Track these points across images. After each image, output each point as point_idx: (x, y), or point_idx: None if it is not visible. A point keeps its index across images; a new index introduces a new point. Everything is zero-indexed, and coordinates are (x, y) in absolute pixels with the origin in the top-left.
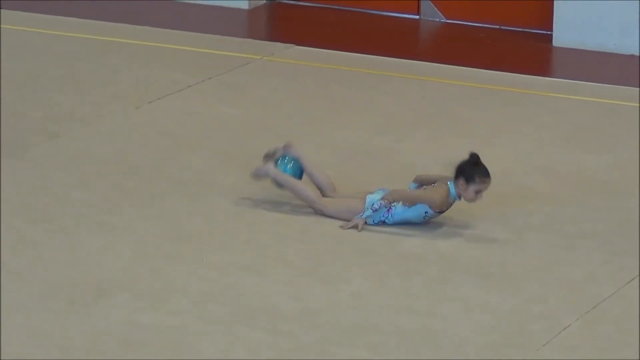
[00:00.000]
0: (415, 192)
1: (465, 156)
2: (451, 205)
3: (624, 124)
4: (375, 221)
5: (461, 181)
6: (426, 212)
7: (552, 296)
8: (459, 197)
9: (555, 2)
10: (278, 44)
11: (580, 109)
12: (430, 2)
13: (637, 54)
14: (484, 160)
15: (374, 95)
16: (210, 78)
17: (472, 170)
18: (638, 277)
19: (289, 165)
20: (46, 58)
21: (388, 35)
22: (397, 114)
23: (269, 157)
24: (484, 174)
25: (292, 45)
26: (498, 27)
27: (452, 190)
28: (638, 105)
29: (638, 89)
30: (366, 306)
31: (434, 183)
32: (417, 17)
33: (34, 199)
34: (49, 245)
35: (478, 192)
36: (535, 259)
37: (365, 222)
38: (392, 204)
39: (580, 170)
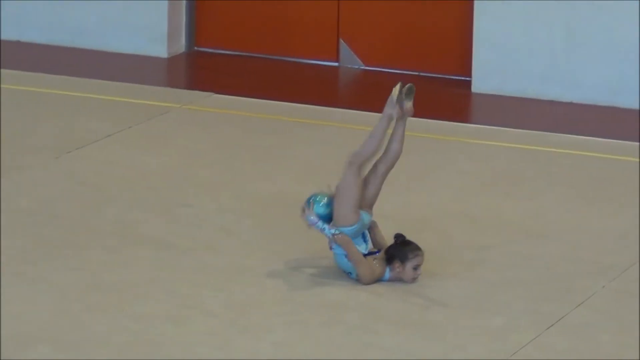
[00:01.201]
0: (358, 257)
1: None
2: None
3: (544, 170)
4: (327, 233)
5: (397, 263)
6: (351, 274)
7: (473, 344)
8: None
9: (474, 48)
10: (197, 92)
11: (500, 155)
12: (349, 48)
13: (557, 99)
14: (403, 207)
15: (294, 144)
16: (129, 127)
17: (402, 250)
18: (557, 324)
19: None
20: None
21: (307, 83)
22: (317, 162)
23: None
24: (416, 248)
25: (211, 93)
26: (417, 73)
27: (387, 275)
28: (558, 151)
29: (557, 134)
30: (288, 356)
31: (378, 251)
32: (336, 64)
33: None
34: None
35: (416, 268)
36: (456, 307)
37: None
38: (334, 243)
39: (500, 216)
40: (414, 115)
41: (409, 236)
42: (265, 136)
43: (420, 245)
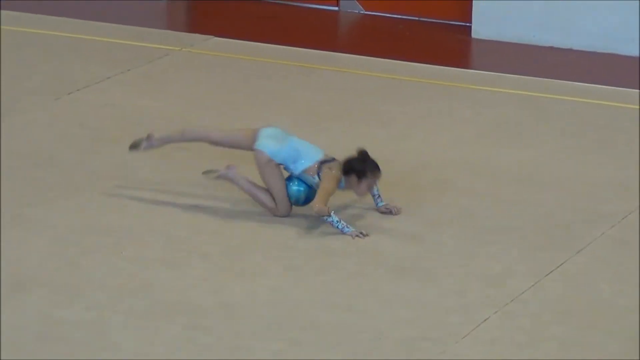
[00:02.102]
0: (322, 193)
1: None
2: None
3: (543, 117)
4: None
5: (353, 178)
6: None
7: (470, 289)
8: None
9: None
10: (197, 35)
11: (499, 101)
12: None
13: (556, 45)
14: (401, 151)
15: (293, 88)
16: (129, 70)
17: (363, 166)
18: (555, 271)
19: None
20: None
21: (308, 27)
22: (315, 106)
23: (134, 147)
24: (375, 168)
25: (211, 36)
26: (417, 18)
27: (342, 184)
28: (557, 97)
29: (556, 81)
30: (284, 301)
31: (333, 159)
32: (337, 9)
33: None
34: None
35: (370, 187)
36: (452, 253)
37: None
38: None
39: (497, 164)
40: (415, 61)
41: (407, 182)
42: (264, 80)
43: (417, 190)
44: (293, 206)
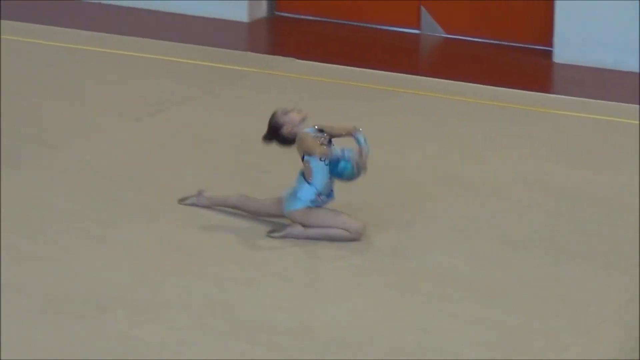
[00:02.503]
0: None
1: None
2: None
3: (624, 141)
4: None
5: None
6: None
7: (553, 314)
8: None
9: (555, 18)
10: (279, 57)
11: (579, 126)
12: (430, 16)
13: (637, 70)
14: (481, 174)
15: (373, 110)
16: (210, 91)
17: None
18: (638, 298)
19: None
20: (46, 69)
21: (388, 50)
22: (396, 128)
23: (182, 200)
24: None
25: (292, 58)
26: (498, 42)
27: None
28: (638, 122)
29: (638, 106)
30: (364, 323)
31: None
32: (418, 31)
33: (31, 211)
34: (46, 258)
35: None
36: (535, 277)
37: None
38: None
39: (576, 187)
40: (495, 84)
41: (485, 203)
42: (344, 102)
43: (495, 212)
44: (364, 226)
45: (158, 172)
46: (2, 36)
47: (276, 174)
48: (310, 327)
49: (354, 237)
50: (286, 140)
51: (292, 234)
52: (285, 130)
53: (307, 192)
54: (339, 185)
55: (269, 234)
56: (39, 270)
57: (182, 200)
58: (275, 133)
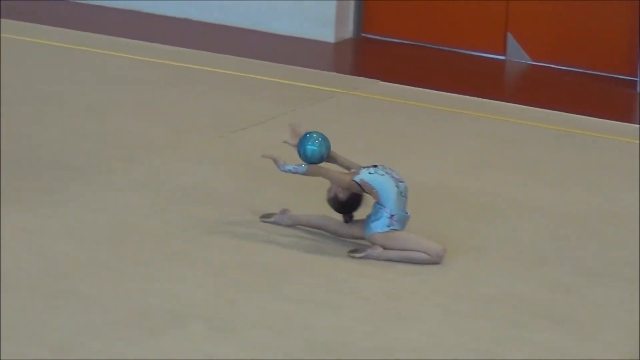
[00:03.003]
0: (332, 174)
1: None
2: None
3: None
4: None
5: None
6: None
7: (624, 344)
8: None
9: None
10: (363, 78)
11: None
12: (516, 43)
13: None
14: (558, 201)
15: (457, 134)
16: (294, 110)
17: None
18: None
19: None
20: (130, 84)
21: (473, 75)
22: (476, 153)
23: (265, 217)
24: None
25: (377, 80)
26: (583, 70)
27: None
28: None
29: None
30: (438, 346)
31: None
32: (503, 57)
33: (110, 225)
34: (125, 272)
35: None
36: (609, 306)
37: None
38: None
39: None
40: (579, 112)
41: (561, 231)
42: (428, 126)
43: (572, 241)
44: (444, 249)
45: (240, 190)
46: (91, 49)
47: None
48: (385, 349)
49: (434, 261)
50: (351, 202)
51: (372, 255)
52: (341, 195)
53: (382, 215)
54: (415, 209)
55: (350, 254)
56: (117, 284)
57: (264, 218)
58: (341, 205)
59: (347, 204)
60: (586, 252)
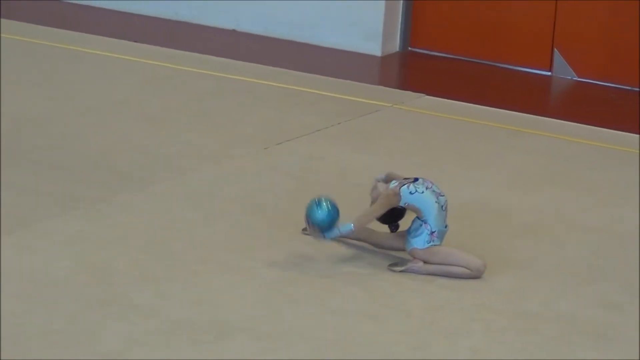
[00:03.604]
0: (372, 214)
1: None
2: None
3: None
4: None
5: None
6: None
7: None
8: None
9: None
10: (409, 92)
11: None
12: (563, 59)
13: None
14: (606, 219)
15: (501, 150)
16: (339, 123)
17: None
18: None
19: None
20: (178, 94)
21: (519, 90)
22: (521, 169)
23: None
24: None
25: (422, 94)
26: (630, 88)
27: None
28: None
29: None
30: None
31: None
32: (549, 73)
33: (159, 235)
34: (172, 282)
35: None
36: None
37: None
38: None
39: None
40: (625, 130)
41: (610, 249)
42: (473, 141)
43: (619, 258)
44: (484, 264)
45: (284, 202)
46: (139, 60)
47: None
48: None
49: (474, 275)
50: (396, 211)
51: (413, 269)
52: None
53: (423, 232)
54: (458, 224)
55: (390, 267)
56: (163, 293)
57: (305, 231)
58: (387, 215)
59: (392, 214)
60: (633, 270)
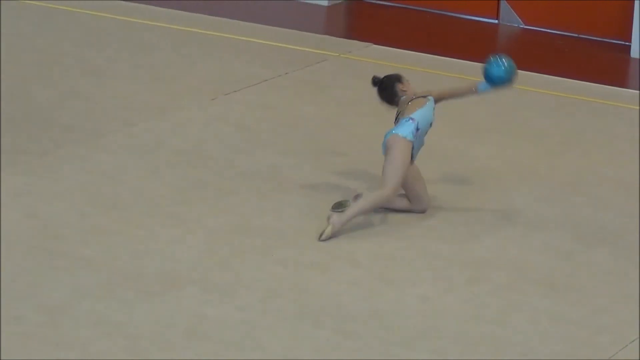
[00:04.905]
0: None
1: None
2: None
3: None
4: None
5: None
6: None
7: (620, 310)
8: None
9: (635, 13)
10: (356, 42)
11: None
12: (509, 7)
13: None
14: (555, 167)
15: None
16: (286, 73)
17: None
18: None
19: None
20: (124, 46)
21: (466, 39)
22: (470, 118)
23: (337, 206)
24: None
25: (370, 44)
26: (576, 35)
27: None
28: None
29: None
30: (432, 311)
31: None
32: (496, 21)
33: (106, 187)
34: (119, 234)
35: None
36: (605, 272)
37: None
38: None
39: None
40: (572, 77)
41: (558, 197)
42: (420, 88)
43: (569, 207)
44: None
45: (232, 153)
46: (82, 11)
47: (350, 156)
48: (377, 312)
49: (416, 210)
50: (391, 95)
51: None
52: (400, 87)
53: (410, 124)
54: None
55: (334, 209)
56: (110, 245)
57: (336, 208)
58: (391, 82)
59: (390, 93)
60: (583, 219)
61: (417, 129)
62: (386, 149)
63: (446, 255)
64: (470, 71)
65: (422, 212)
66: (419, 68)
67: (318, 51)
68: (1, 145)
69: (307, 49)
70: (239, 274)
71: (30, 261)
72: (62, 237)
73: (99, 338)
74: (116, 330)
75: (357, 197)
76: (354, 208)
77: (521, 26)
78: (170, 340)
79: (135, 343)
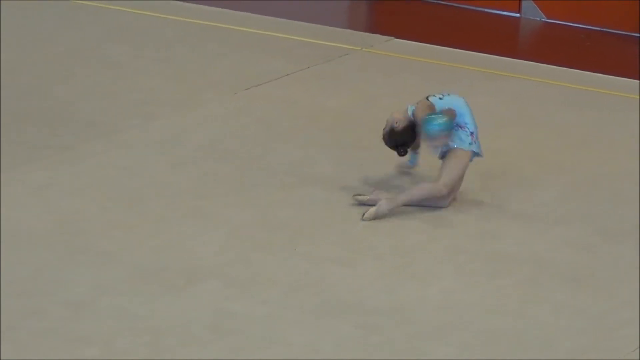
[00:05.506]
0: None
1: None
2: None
3: None
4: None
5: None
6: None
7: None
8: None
9: None
10: (378, 36)
11: None
12: (531, 1)
13: None
14: (577, 161)
15: (471, 92)
16: (308, 67)
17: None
18: None
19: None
20: (145, 41)
21: (488, 33)
22: (492, 111)
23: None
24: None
25: (392, 38)
26: (598, 28)
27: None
28: None
29: None
30: (456, 304)
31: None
32: (518, 15)
33: (127, 182)
34: (140, 229)
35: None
36: (628, 265)
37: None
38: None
39: None
40: (595, 71)
41: (583, 191)
42: (442, 83)
43: (593, 200)
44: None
45: (254, 147)
46: (101, 4)
47: (372, 150)
48: (399, 306)
49: (439, 203)
50: (407, 131)
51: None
52: (397, 125)
53: (461, 134)
54: (430, 166)
55: (356, 196)
56: (131, 240)
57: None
58: (399, 135)
59: (403, 133)
60: (604, 213)
61: (472, 133)
62: (453, 155)
63: (469, 249)
64: (490, 65)
65: (444, 206)
66: (440, 62)
67: (340, 45)
68: (22, 140)
69: (329, 43)
70: (261, 268)
71: (51, 256)
72: (83, 231)
73: (122, 333)
74: (139, 325)
75: (374, 191)
76: (405, 196)
77: (543, 20)
78: (193, 335)
79: (158, 338)
